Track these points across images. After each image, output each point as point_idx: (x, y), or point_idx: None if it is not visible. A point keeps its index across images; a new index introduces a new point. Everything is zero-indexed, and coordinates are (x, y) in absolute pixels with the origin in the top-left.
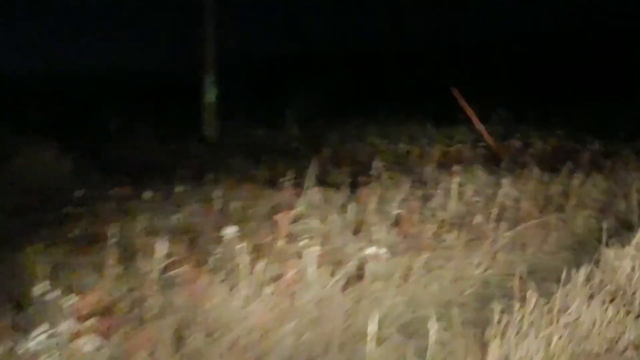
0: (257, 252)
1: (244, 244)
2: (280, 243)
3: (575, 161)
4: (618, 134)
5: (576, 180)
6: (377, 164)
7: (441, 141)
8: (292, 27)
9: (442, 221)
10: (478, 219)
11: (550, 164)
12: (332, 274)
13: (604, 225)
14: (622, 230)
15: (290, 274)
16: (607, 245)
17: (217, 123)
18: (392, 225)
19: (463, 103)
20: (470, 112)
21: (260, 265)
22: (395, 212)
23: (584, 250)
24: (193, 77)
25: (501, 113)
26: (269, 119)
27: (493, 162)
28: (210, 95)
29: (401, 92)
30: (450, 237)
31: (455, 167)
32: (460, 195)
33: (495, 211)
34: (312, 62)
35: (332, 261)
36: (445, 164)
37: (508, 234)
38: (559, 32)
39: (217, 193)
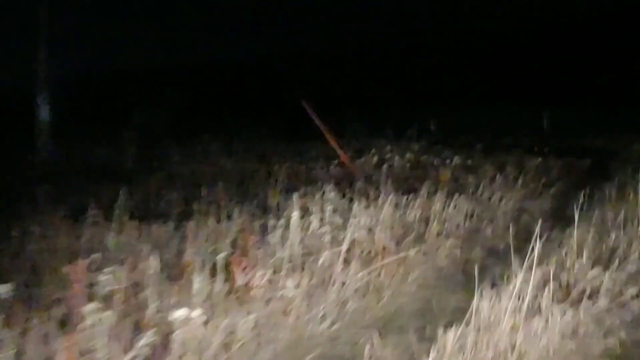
0: (31, 320)
1: (13, 309)
2: (68, 304)
3: (435, 179)
4: (477, 146)
5: (437, 203)
6: (216, 188)
7: (292, 159)
8: (134, 41)
9: (282, 262)
10: (325, 257)
11: (409, 184)
12: (128, 348)
13: (472, 256)
14: (491, 260)
15: (69, 353)
16: (478, 282)
17: (51, 144)
18: (219, 271)
19: (315, 117)
20: (322, 126)
21: (30, 342)
22: (224, 252)
23: (450, 289)
24: (27, 95)
25: (356, 126)
26: (108, 139)
27: (347, 182)
28: (45, 114)
29: (251, 106)
30: (290, 284)
31: (304, 190)
32: (307, 226)
33: (346, 246)
34: (158, 76)
35: (131, 328)
36: (293, 186)
37: (361, 274)
38: (413, 44)
39: (17, 231)
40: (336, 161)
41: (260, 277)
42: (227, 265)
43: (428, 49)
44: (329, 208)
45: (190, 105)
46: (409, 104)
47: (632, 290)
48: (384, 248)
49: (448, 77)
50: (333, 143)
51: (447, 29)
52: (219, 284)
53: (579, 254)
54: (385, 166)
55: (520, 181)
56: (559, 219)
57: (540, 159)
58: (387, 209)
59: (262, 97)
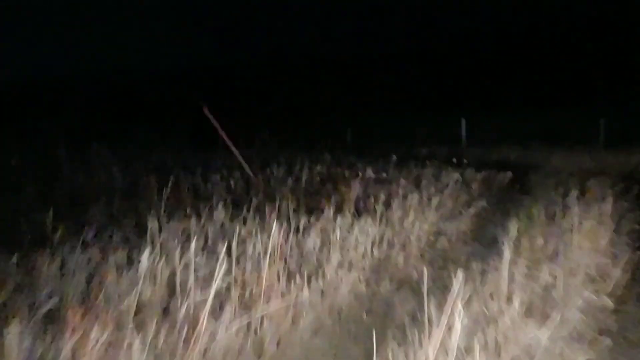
0: None
1: None
2: None
3: (344, 196)
4: (392, 157)
5: (340, 228)
6: (92, 205)
7: (189, 170)
8: (30, 50)
9: (128, 312)
10: (192, 301)
11: (314, 200)
12: None
13: (380, 291)
14: (403, 296)
15: None
16: (383, 332)
17: None
18: (41, 325)
19: (217, 124)
20: (225, 135)
21: None
22: (55, 299)
23: (351, 336)
24: None
25: (266, 136)
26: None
27: (245, 198)
28: None
29: (154, 114)
30: (137, 344)
31: (193, 208)
32: (177, 259)
33: (216, 290)
34: (54, 85)
35: None
36: (182, 203)
37: (236, 324)
38: (328, 53)
39: None
40: (238, 173)
41: (97, 335)
42: (51, 321)
43: (343, 58)
44: (216, 231)
45: (86, 114)
46: (324, 113)
47: (579, 357)
48: (269, 288)
49: (364, 86)
50: (236, 153)
51: (361, 38)
52: (39, 347)
53: (509, 298)
54: (290, 180)
55: (436, 199)
56: (482, 245)
57: (457, 172)
58: (281, 233)
59: (167, 106)
